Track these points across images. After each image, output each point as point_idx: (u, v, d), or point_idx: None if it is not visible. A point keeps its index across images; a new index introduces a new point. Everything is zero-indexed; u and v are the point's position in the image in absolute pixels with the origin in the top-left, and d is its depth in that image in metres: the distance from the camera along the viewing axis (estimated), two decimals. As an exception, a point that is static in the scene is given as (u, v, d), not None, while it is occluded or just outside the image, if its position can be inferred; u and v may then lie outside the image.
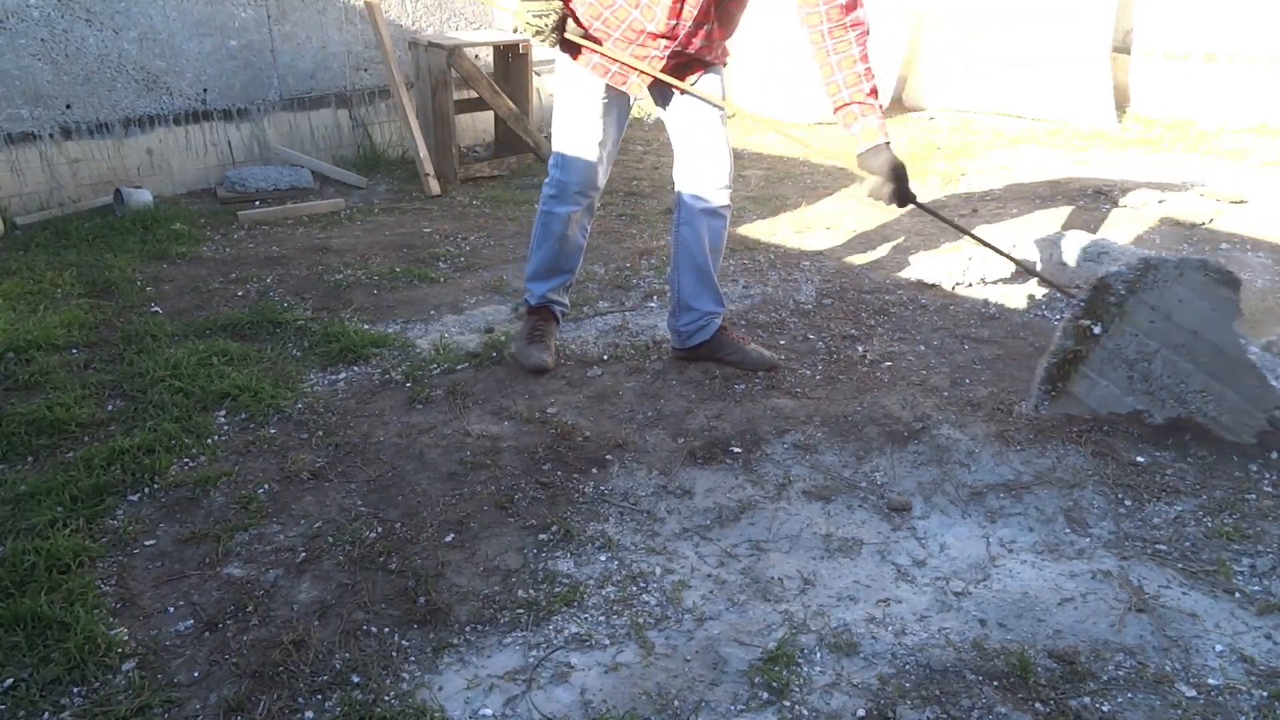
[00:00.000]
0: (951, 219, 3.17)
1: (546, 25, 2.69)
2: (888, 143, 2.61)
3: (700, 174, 2.96)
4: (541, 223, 3.05)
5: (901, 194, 2.64)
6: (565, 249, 3.09)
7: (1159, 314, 2.46)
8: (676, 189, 3.03)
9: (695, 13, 2.66)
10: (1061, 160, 5.92)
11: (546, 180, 3.01)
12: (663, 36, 2.71)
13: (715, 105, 2.86)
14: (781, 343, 3.38)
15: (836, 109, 2.64)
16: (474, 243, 4.52)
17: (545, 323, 3.19)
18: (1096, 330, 2.47)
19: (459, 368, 3.19)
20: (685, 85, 2.82)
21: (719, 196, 2.98)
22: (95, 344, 3.32)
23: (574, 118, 2.90)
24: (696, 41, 2.75)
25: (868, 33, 2.60)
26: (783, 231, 4.67)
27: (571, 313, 3.63)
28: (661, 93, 2.94)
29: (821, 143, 6.64)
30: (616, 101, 2.91)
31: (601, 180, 3.00)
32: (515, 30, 2.74)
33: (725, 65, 2.96)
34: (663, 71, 2.77)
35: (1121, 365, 2.44)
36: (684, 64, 2.85)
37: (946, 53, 7.25)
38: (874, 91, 2.60)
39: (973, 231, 2.92)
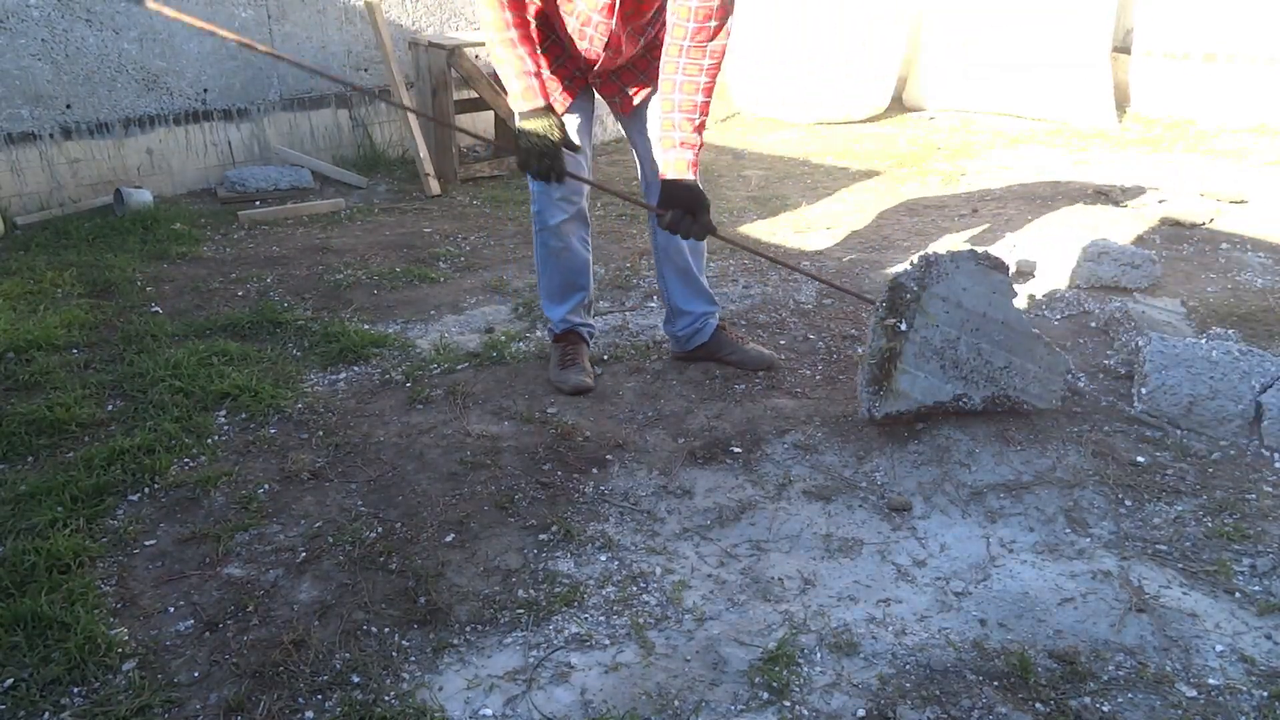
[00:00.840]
0: (766, 253, 3.32)
1: (552, 142, 2.53)
2: (694, 181, 2.58)
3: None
4: (539, 242, 2.96)
5: (702, 226, 2.60)
6: (570, 264, 2.97)
7: (950, 303, 2.63)
8: (645, 194, 2.97)
9: (614, 41, 2.62)
10: (1061, 160, 5.92)
11: (531, 198, 2.92)
12: (588, 64, 2.71)
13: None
14: (781, 343, 3.38)
15: (661, 128, 2.60)
16: (474, 243, 4.52)
17: (574, 346, 3.07)
18: (903, 327, 2.58)
19: (459, 368, 3.19)
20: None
21: None
22: (95, 344, 3.32)
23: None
24: (618, 57, 2.72)
25: (719, 67, 2.56)
26: (783, 231, 4.67)
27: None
28: (617, 103, 2.90)
29: (821, 142, 6.64)
30: (578, 106, 2.83)
31: (583, 185, 2.90)
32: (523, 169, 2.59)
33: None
34: (602, 80, 2.77)
35: (933, 355, 2.59)
36: (623, 74, 2.82)
37: (946, 53, 7.25)
38: (701, 127, 2.57)
39: (801, 266, 3.15)
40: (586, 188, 2.92)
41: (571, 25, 2.63)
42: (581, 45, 2.67)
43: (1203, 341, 2.92)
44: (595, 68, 2.74)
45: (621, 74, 2.83)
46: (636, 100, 2.87)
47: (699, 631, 2.02)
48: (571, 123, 2.79)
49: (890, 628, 2.03)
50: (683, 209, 2.56)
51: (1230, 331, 3.17)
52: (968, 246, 2.84)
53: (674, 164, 2.58)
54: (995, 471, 2.58)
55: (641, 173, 2.99)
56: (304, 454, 2.66)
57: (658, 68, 2.64)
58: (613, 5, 2.52)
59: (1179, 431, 2.78)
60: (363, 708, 1.79)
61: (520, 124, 2.54)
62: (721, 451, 2.70)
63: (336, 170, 5.50)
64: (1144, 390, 2.88)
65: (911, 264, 2.70)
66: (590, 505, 2.46)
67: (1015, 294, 2.69)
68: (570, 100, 2.79)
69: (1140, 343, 2.98)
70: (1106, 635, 1.98)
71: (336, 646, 1.96)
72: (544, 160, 2.52)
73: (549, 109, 2.54)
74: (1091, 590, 2.12)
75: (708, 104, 2.58)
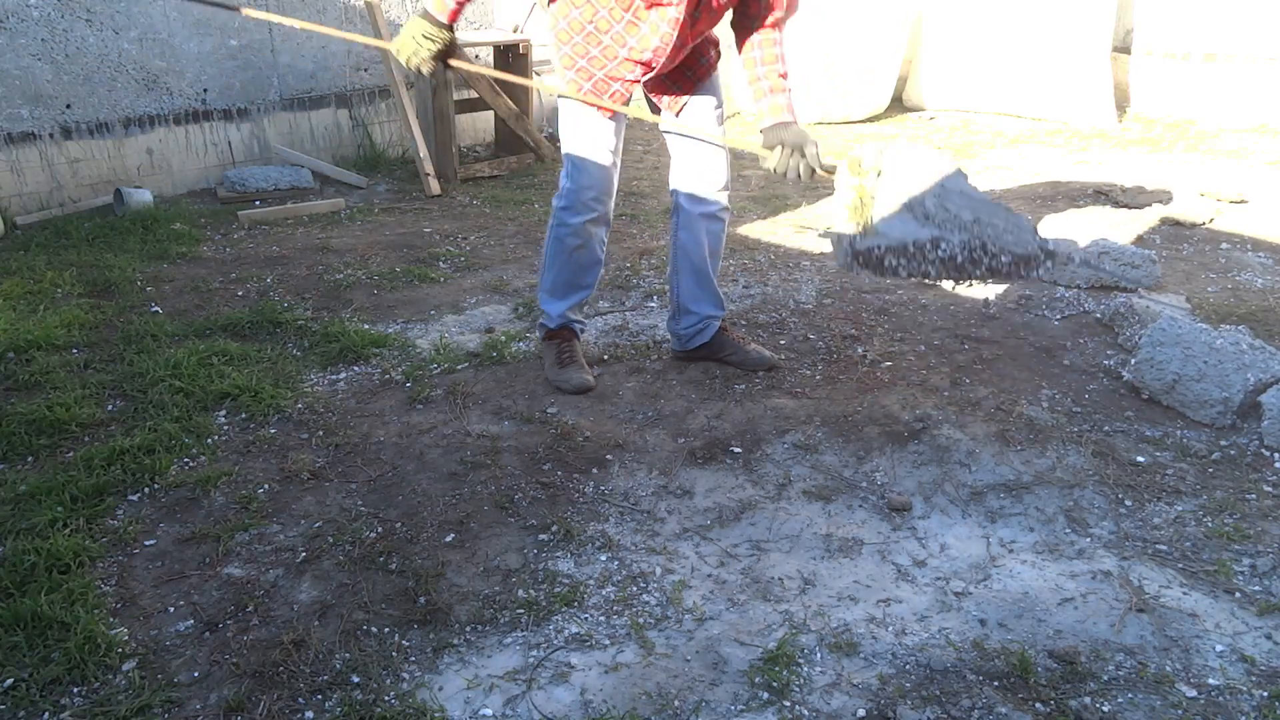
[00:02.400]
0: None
1: (426, 52, 2.67)
2: (795, 122, 2.65)
3: (697, 177, 2.92)
4: (554, 237, 2.93)
5: (810, 160, 2.63)
6: (582, 262, 2.95)
7: (908, 173, 2.72)
8: (672, 190, 2.99)
9: (675, 42, 2.64)
10: (1062, 160, 5.92)
11: (557, 194, 2.90)
12: (640, 64, 2.71)
13: (705, 137, 2.85)
14: (781, 343, 3.38)
15: (750, 83, 2.69)
16: (474, 243, 4.52)
17: (569, 343, 3.06)
18: (869, 182, 2.64)
19: (459, 368, 3.19)
20: (675, 119, 2.86)
21: (717, 199, 2.95)
22: (95, 344, 3.32)
23: (583, 124, 2.81)
24: (674, 62, 2.74)
25: (782, 43, 2.72)
26: (783, 231, 4.67)
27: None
28: (665, 100, 2.93)
29: (821, 142, 6.65)
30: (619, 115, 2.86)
31: (613, 188, 2.90)
32: (400, 57, 2.71)
33: (717, 66, 2.94)
34: (655, 82, 2.80)
35: (903, 209, 2.65)
36: (675, 76, 2.84)
37: (946, 53, 7.25)
38: (785, 75, 2.68)
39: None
40: (614, 190, 2.92)
41: (634, 36, 2.64)
42: (642, 55, 2.67)
43: (1212, 329, 2.94)
44: (650, 74, 2.74)
45: (672, 74, 2.83)
46: (683, 99, 2.89)
47: (699, 631, 2.02)
48: (609, 129, 2.83)
49: (890, 628, 2.03)
50: (790, 147, 2.61)
51: (1243, 327, 3.17)
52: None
53: (770, 109, 2.65)
54: (995, 471, 2.58)
55: (676, 170, 2.98)
56: (304, 454, 2.66)
57: (704, 64, 2.81)
58: (679, 20, 2.56)
59: (1179, 432, 2.79)
60: (363, 708, 1.79)
61: (417, 18, 2.67)
62: (721, 451, 2.70)
63: (336, 170, 5.50)
64: (1133, 360, 2.98)
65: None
66: (590, 505, 2.46)
67: (968, 177, 2.78)
68: (622, 103, 2.80)
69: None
70: (1106, 635, 1.98)
71: (336, 646, 1.96)
72: (416, 55, 2.67)
73: (448, 28, 2.67)
74: (1091, 590, 2.12)
75: (785, 60, 2.69)
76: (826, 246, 4.44)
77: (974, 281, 2.64)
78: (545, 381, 3.07)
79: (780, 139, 2.62)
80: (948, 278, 2.61)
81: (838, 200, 2.69)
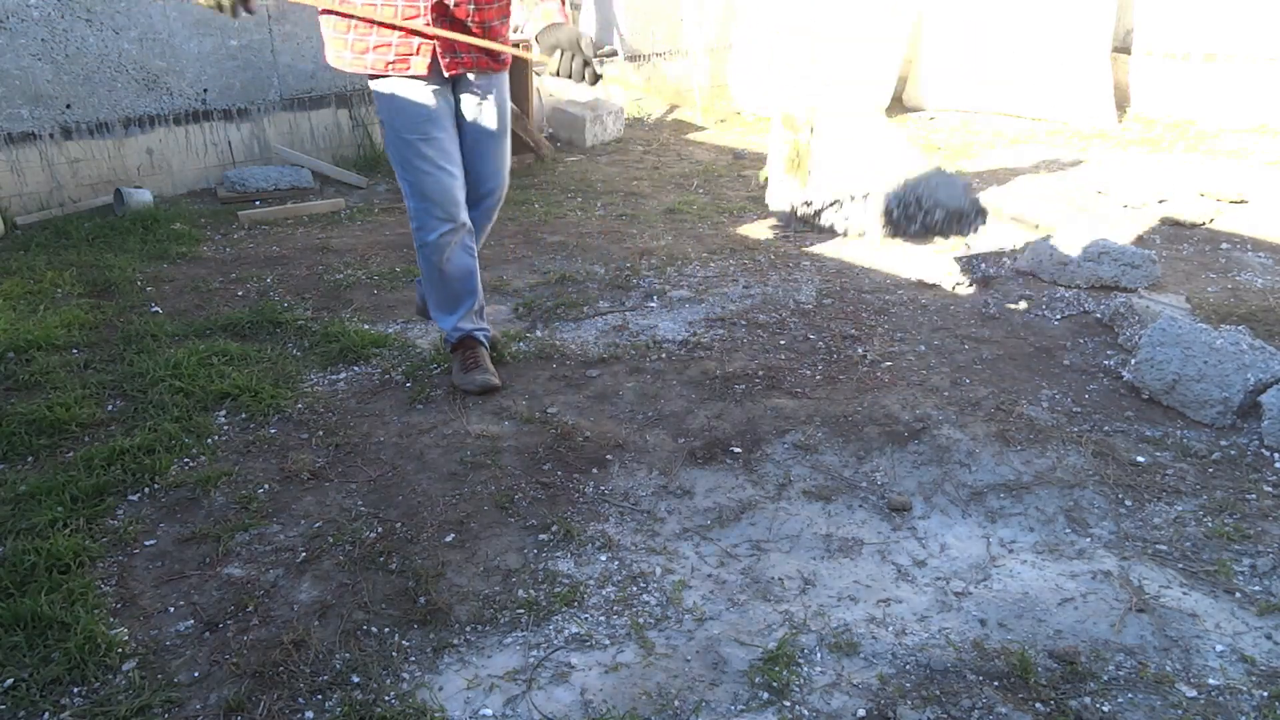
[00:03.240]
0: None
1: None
2: (567, 22, 2.56)
3: (476, 189, 2.92)
4: (421, 259, 2.91)
5: (589, 68, 2.52)
6: (453, 275, 2.93)
7: (842, 132, 2.84)
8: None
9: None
10: (1062, 160, 5.92)
11: (410, 218, 2.85)
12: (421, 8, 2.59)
13: (520, 53, 2.77)
14: (781, 343, 3.38)
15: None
16: (474, 243, 4.52)
17: (472, 351, 3.07)
18: (803, 138, 2.74)
19: (459, 368, 3.19)
20: (477, 42, 2.67)
21: (491, 212, 3.03)
22: (95, 344, 3.32)
23: (404, 141, 2.72)
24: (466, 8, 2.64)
25: None
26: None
27: (571, 313, 3.64)
28: (453, 88, 2.80)
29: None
30: (439, 110, 2.74)
31: (460, 194, 2.82)
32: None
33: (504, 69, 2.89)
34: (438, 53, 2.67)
35: (837, 165, 2.76)
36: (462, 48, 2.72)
37: (946, 53, 7.25)
38: None
39: None
40: (461, 196, 2.83)
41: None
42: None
43: (1212, 329, 2.95)
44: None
45: (468, 47, 2.72)
46: (475, 94, 2.82)
47: (699, 631, 2.02)
48: (440, 142, 2.74)
49: (890, 628, 2.03)
50: (567, 49, 2.52)
51: (1243, 327, 3.17)
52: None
53: (543, 14, 2.57)
54: (995, 471, 2.58)
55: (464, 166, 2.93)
56: (304, 454, 2.66)
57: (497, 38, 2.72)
58: None
59: (1179, 432, 2.79)
60: (363, 708, 1.79)
61: None
62: (721, 451, 2.70)
63: (336, 170, 5.50)
64: (1133, 360, 2.98)
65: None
66: (590, 505, 2.46)
67: (903, 134, 2.79)
68: (407, 68, 2.66)
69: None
70: (1106, 635, 1.98)
71: (336, 646, 1.96)
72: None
73: None
74: (1091, 590, 2.12)
75: None
76: (825, 245, 4.44)
77: (910, 238, 2.62)
78: (545, 381, 3.07)
79: (556, 41, 2.53)
80: (886, 231, 2.60)
81: (772, 155, 2.68)
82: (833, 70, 7.02)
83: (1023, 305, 3.71)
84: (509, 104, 2.95)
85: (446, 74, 2.71)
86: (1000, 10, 6.96)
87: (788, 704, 1.81)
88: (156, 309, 3.65)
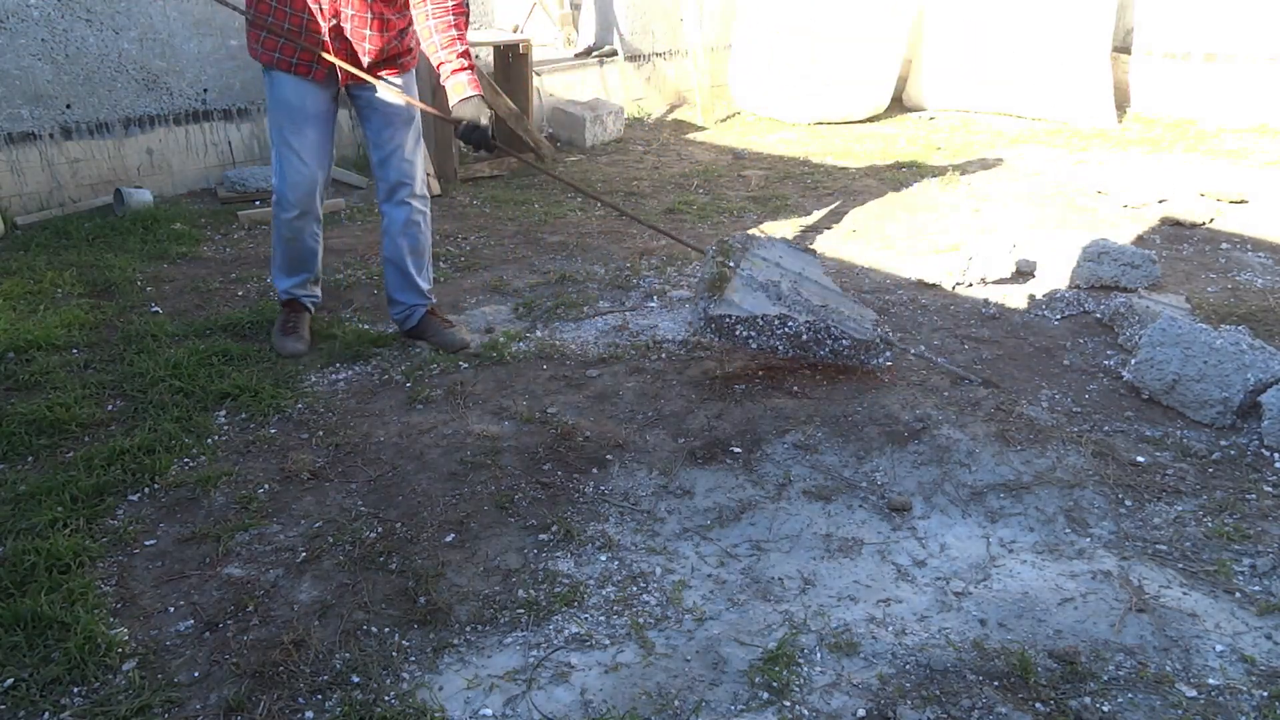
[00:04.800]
0: (598, 195, 3.68)
1: None
2: (480, 96, 2.92)
3: (391, 185, 3.19)
4: (274, 225, 3.25)
5: (484, 140, 2.94)
6: (297, 251, 3.27)
7: (770, 261, 3.20)
8: (378, 196, 3.25)
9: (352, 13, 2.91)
10: (1062, 160, 5.92)
11: (273, 191, 3.19)
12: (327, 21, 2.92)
13: (400, 99, 3.07)
14: (781, 343, 3.38)
15: (437, 66, 2.94)
16: (474, 243, 4.52)
17: (296, 314, 3.37)
18: (732, 264, 3.12)
19: (459, 368, 3.19)
20: (366, 77, 3.02)
21: (411, 203, 3.22)
22: (95, 344, 3.32)
23: (280, 131, 3.06)
24: (364, 34, 2.97)
25: (465, 15, 2.97)
26: (783, 231, 4.66)
27: (571, 313, 3.64)
28: (353, 95, 3.13)
29: (821, 142, 6.64)
30: (318, 110, 3.07)
31: (317, 188, 3.15)
32: None
33: (411, 68, 3.20)
34: (340, 66, 2.98)
35: (758, 288, 3.05)
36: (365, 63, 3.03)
37: (946, 53, 7.25)
38: (466, 54, 2.92)
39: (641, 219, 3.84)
40: (319, 190, 3.18)
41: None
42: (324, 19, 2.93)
43: (1212, 329, 2.95)
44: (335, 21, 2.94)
45: (361, 61, 3.04)
46: (379, 99, 3.10)
47: (699, 631, 2.02)
48: (312, 137, 3.08)
49: (890, 628, 2.03)
50: (472, 125, 2.92)
51: (1243, 327, 3.17)
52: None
53: (454, 88, 2.91)
54: (995, 471, 2.58)
55: (372, 165, 3.26)
56: (304, 454, 2.66)
57: (397, 59, 3.10)
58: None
59: (1179, 432, 2.79)
60: (363, 708, 1.79)
61: None
62: (721, 451, 2.70)
63: (337, 170, 5.49)
64: (1133, 360, 2.99)
65: (735, 235, 3.29)
66: (590, 505, 2.46)
67: (823, 269, 3.32)
68: (308, 73, 3.00)
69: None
70: (1106, 635, 1.98)
71: (336, 646, 1.96)
72: None
73: None
74: (1091, 590, 2.12)
75: (464, 39, 2.92)
76: (825, 245, 4.44)
77: (817, 360, 3.06)
78: (545, 381, 3.07)
79: (462, 114, 2.92)
80: (794, 352, 3.02)
81: (701, 275, 3.13)
82: (833, 70, 7.03)
83: (1023, 305, 3.71)
84: (413, 93, 3.19)
85: (341, 85, 3.06)
86: (1000, 10, 6.96)
87: (788, 704, 1.81)
88: (156, 309, 3.65)
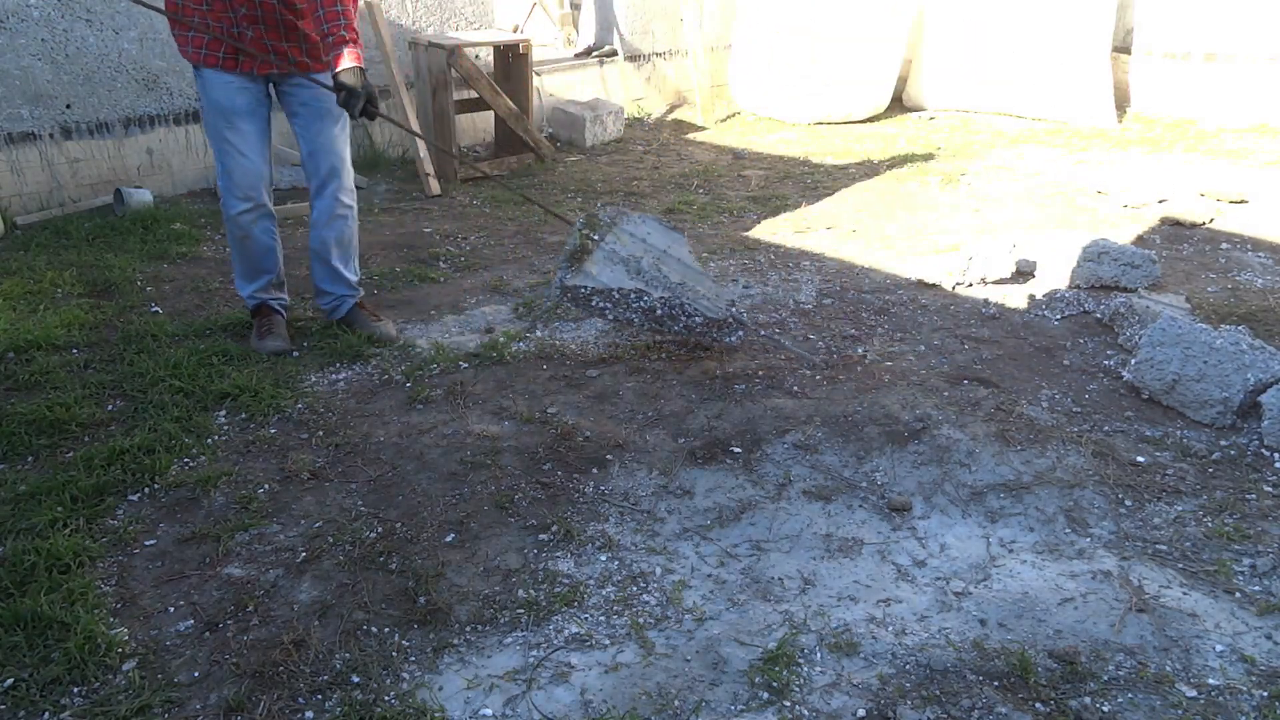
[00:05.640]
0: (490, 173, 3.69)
1: None
2: (360, 68, 2.96)
3: (321, 179, 3.25)
4: (227, 229, 3.29)
5: (368, 107, 2.98)
6: (253, 250, 3.28)
7: (637, 238, 3.27)
8: (310, 190, 3.30)
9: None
10: (1062, 160, 5.92)
11: (220, 192, 3.22)
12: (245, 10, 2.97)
13: (331, 90, 3.05)
14: (782, 343, 3.38)
15: (323, 41, 2.98)
16: (474, 243, 4.52)
17: (268, 318, 3.38)
18: (596, 237, 3.19)
19: (459, 368, 3.19)
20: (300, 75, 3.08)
21: (340, 197, 3.30)
22: (95, 344, 3.32)
23: (217, 130, 3.10)
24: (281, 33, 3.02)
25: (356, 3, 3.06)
26: (783, 231, 4.67)
27: (571, 313, 3.64)
28: (281, 93, 3.17)
29: (821, 142, 6.64)
30: (248, 104, 3.09)
31: (262, 181, 3.18)
32: None
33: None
34: (262, 65, 3.04)
35: (619, 263, 3.12)
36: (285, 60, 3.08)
37: (946, 53, 7.25)
38: (350, 29, 2.96)
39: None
40: (265, 184, 3.22)
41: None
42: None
43: (1212, 329, 2.95)
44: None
45: (283, 49, 3.08)
46: (303, 95, 3.15)
47: (699, 631, 2.02)
48: (250, 130, 3.11)
49: (890, 628, 2.03)
50: (349, 90, 2.94)
51: (1243, 327, 3.17)
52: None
53: (336, 58, 2.94)
54: (995, 471, 2.58)
55: (304, 166, 3.31)
56: (304, 454, 2.66)
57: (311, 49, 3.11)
58: None
59: (1179, 432, 2.79)
60: (363, 708, 1.79)
61: None
62: (721, 451, 2.70)
63: (336, 170, 5.49)
64: (1133, 360, 2.99)
65: (605, 206, 3.31)
66: (590, 505, 2.46)
67: (689, 248, 3.38)
68: (234, 66, 3.03)
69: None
70: (1106, 635, 1.98)
71: (336, 646, 1.96)
72: None
73: None
74: (1091, 590, 2.12)
75: (350, 22, 2.97)
76: (825, 245, 4.45)
77: (673, 335, 3.16)
78: (546, 381, 3.07)
79: (343, 82, 2.95)
80: (650, 326, 3.12)
81: (566, 246, 3.19)
82: (833, 70, 7.02)
83: (1023, 305, 3.71)
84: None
85: (257, 73, 3.07)
86: (1000, 10, 6.95)
87: (788, 704, 1.82)
88: (156, 309, 3.65)
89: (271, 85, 3.16)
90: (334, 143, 3.23)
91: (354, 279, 3.44)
